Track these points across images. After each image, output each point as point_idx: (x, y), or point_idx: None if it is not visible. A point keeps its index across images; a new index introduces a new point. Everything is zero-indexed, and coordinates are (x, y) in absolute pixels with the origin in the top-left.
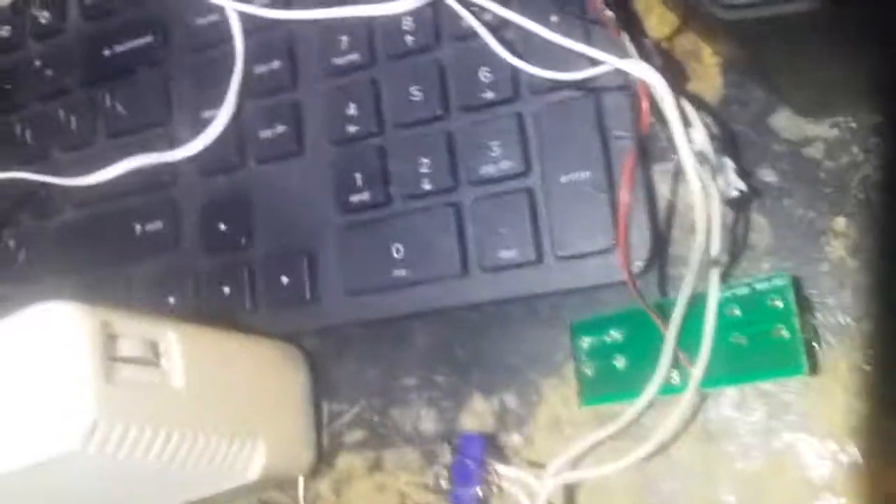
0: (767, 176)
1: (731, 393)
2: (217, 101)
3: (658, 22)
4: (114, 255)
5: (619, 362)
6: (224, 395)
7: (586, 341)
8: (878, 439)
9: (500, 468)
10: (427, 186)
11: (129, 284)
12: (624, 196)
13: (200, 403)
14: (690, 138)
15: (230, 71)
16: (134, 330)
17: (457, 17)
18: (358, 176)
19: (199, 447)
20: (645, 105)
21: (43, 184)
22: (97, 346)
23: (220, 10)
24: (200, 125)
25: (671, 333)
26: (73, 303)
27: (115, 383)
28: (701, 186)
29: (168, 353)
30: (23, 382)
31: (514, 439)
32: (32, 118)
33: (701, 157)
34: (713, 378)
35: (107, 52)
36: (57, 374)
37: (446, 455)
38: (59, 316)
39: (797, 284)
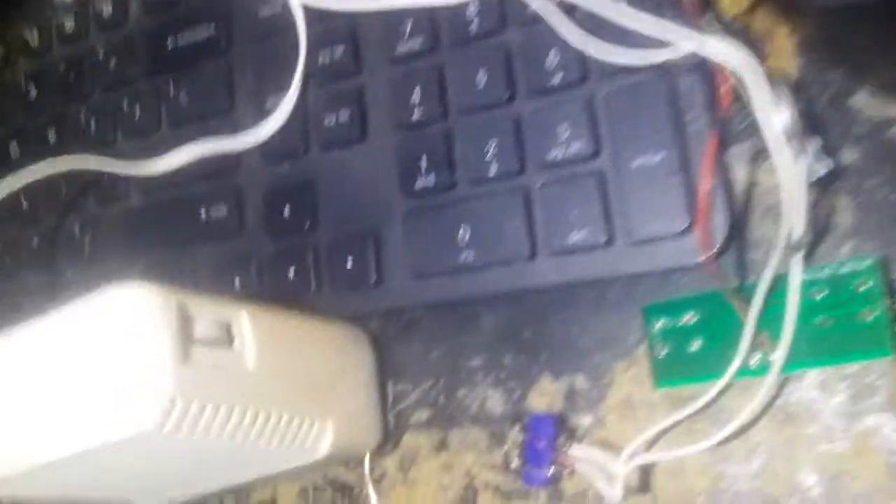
0: (849, 156)
1: (812, 375)
2: (281, 89)
3: (731, 1)
4: (178, 240)
5: (695, 345)
6: (294, 375)
7: (660, 324)
8: None
9: (575, 448)
10: (494, 171)
11: (194, 269)
12: (706, 182)
13: (272, 383)
14: (776, 118)
15: (293, 59)
16: (208, 312)
17: (522, 2)
18: (423, 161)
19: (270, 426)
20: (727, 86)
21: (107, 171)
22: (175, 327)
23: (284, 1)
24: (264, 113)
25: (752, 314)
26: (151, 284)
27: (192, 363)
28: (787, 166)
29: (241, 335)
30: (101, 362)
31: (584, 421)
32: (97, 107)
33: (787, 136)
34: (795, 361)
35: (170, 43)
36: (136, 354)
37: (517, 434)
38: (138, 297)
39: (883, 266)
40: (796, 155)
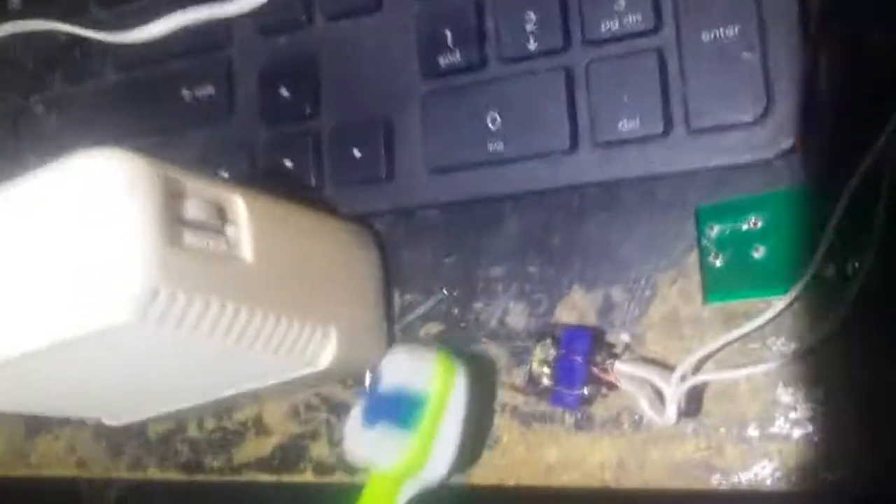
0: None
1: None
2: None
3: None
4: (157, 124)
5: (758, 253)
6: (294, 273)
7: (716, 228)
8: None
9: (621, 364)
10: (532, 46)
11: (174, 157)
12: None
13: (270, 280)
14: None
15: None
16: (199, 191)
17: None
18: (447, 34)
19: (268, 328)
20: None
21: (79, 40)
22: (161, 203)
23: None
24: None
25: (836, 216)
26: (132, 151)
27: (179, 248)
28: None
29: (236, 222)
30: (73, 242)
31: (622, 337)
32: None
33: None
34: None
35: None
36: (114, 232)
37: (547, 350)
38: (119, 166)
39: None
40: None
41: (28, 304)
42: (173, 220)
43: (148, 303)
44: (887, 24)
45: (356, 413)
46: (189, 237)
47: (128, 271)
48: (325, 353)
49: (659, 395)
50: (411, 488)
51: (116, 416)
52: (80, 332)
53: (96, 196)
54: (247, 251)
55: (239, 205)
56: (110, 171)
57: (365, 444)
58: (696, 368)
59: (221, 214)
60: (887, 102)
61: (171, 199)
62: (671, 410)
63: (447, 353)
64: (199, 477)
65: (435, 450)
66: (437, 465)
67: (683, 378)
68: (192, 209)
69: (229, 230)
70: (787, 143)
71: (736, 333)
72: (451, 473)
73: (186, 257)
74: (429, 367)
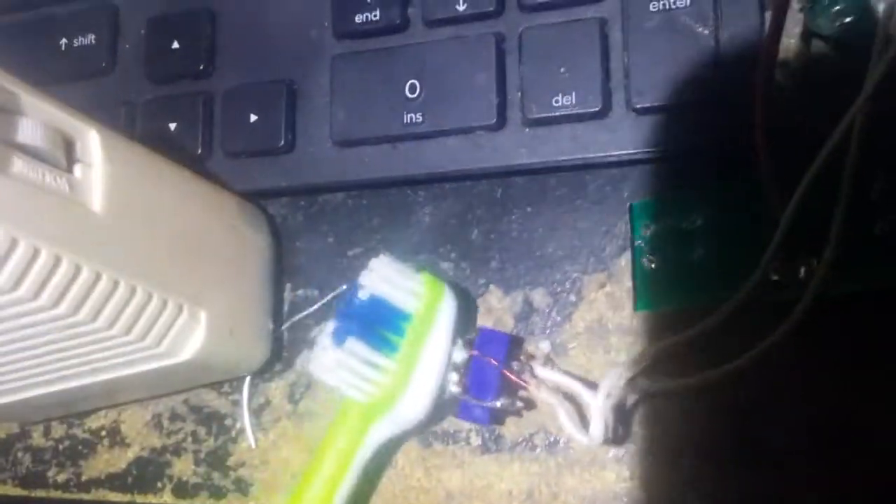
0: None
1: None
2: None
3: None
4: (31, 74)
5: (696, 254)
6: (157, 238)
7: (651, 227)
8: None
9: (542, 372)
10: (461, 8)
11: None
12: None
13: (124, 237)
14: None
15: None
16: (45, 114)
17: None
18: None
19: (117, 298)
20: None
21: None
22: None
23: None
24: None
25: (787, 215)
26: None
27: (6, 175)
28: None
29: (87, 160)
30: None
31: (542, 346)
32: None
33: None
34: (845, 279)
35: None
36: None
37: (460, 352)
38: None
39: None
40: None
41: None
42: (3, 140)
43: None
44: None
45: (329, 328)
46: (20, 165)
47: None
48: (190, 341)
49: (580, 412)
50: (383, 429)
51: None
52: None
53: None
54: (95, 197)
55: (92, 140)
56: None
57: (334, 364)
58: (625, 383)
59: (70, 148)
60: (846, 90)
61: (6, 115)
62: (597, 428)
63: (433, 275)
64: (40, 493)
65: (414, 381)
66: (414, 404)
67: (610, 393)
68: (31, 133)
69: (77, 170)
70: (738, 131)
71: (669, 344)
72: (428, 420)
73: (13, 188)
74: (413, 284)
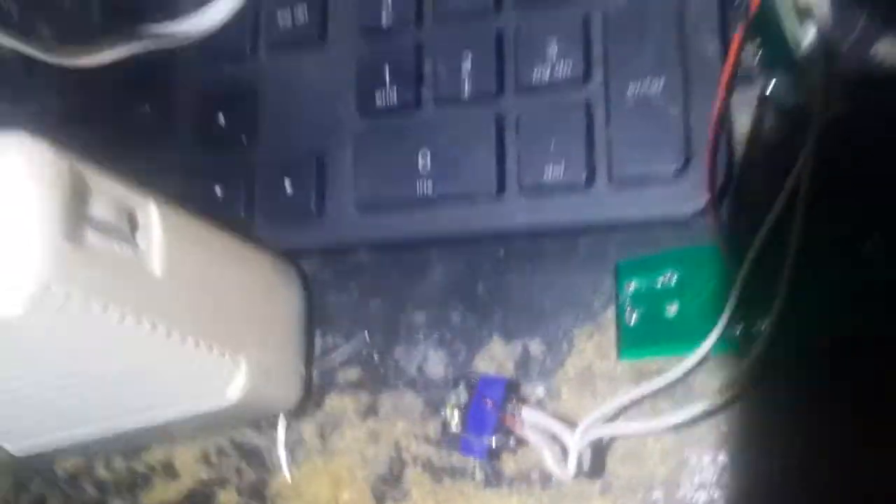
0: None
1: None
2: None
3: None
4: (99, 142)
5: (672, 310)
6: (206, 295)
7: (633, 285)
8: None
9: (527, 411)
10: (467, 90)
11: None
12: (718, 102)
13: (178, 295)
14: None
15: None
16: (111, 190)
17: None
18: (386, 73)
19: (171, 346)
20: None
21: (25, 62)
22: (65, 195)
23: None
24: (209, 3)
25: (741, 276)
26: (39, 138)
27: (79, 245)
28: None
29: (147, 230)
30: None
31: (537, 390)
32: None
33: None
34: (792, 337)
35: None
36: (11, 218)
37: (462, 394)
38: (23, 150)
39: None
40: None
41: None
42: (77, 216)
43: (38, 297)
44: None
45: None
46: (93, 236)
47: (20, 261)
48: (233, 384)
49: (564, 450)
50: None
51: (17, 441)
52: None
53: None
54: (155, 261)
55: (152, 212)
56: (15, 155)
57: None
58: (602, 424)
59: (132, 219)
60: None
61: (78, 193)
62: (571, 464)
63: None
64: None
65: None
66: None
67: (587, 431)
68: (101, 208)
69: (139, 237)
70: (703, 199)
71: (642, 391)
72: None
73: (86, 256)
74: None
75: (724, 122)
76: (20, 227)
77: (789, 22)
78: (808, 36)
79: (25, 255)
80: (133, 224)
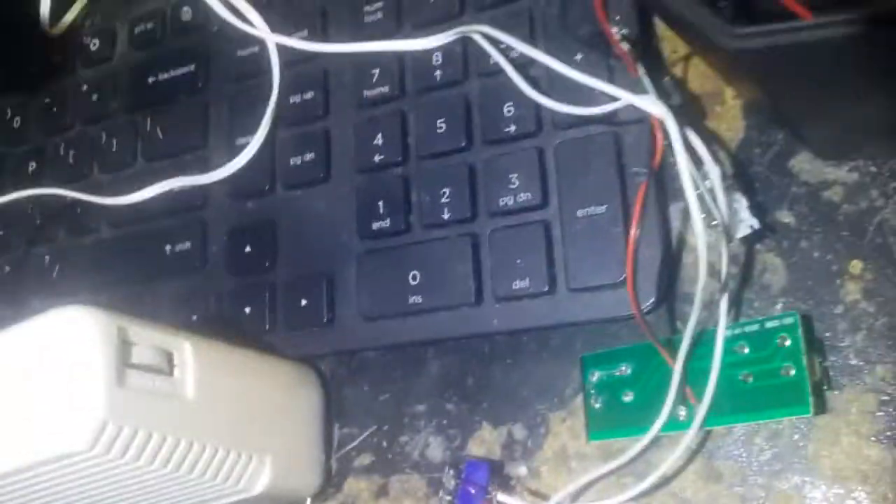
0: (785, 217)
1: (739, 431)
2: (251, 129)
3: (669, 51)
4: (144, 273)
5: (628, 397)
6: (235, 409)
7: (596, 375)
8: (887, 486)
9: (502, 496)
10: (447, 216)
11: (156, 301)
12: (633, 230)
13: (210, 414)
14: (703, 174)
15: (266, 100)
16: (149, 338)
17: (484, 55)
18: (380, 204)
19: (205, 457)
20: (659, 140)
21: (80, 202)
22: (111, 350)
23: (261, 42)
24: (234, 151)
25: (678, 368)
26: (91, 307)
27: (127, 387)
28: (706, 222)
29: (182, 364)
30: (38, 381)
31: (520, 470)
32: (76, 140)
33: (711, 194)
34: (719, 416)
35: (151, 80)
36: (70, 374)
37: (450, 480)
38: (77, 319)
39: (807, 324)
40: (720, 213)
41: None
42: (123, 364)
43: (96, 434)
44: None
45: None
46: (137, 378)
47: (80, 407)
48: (260, 479)
49: None
50: None
51: None
52: (39, 458)
53: (61, 346)
54: (189, 390)
55: (186, 350)
56: (72, 323)
57: None
58: (576, 500)
59: (170, 358)
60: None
61: (123, 345)
62: None
63: None
64: None
65: None
66: None
67: None
68: (142, 353)
69: (176, 371)
70: (646, 303)
71: (595, 472)
72: None
73: (133, 395)
74: None
75: (660, 234)
76: (81, 380)
77: None
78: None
79: (85, 401)
80: (170, 361)
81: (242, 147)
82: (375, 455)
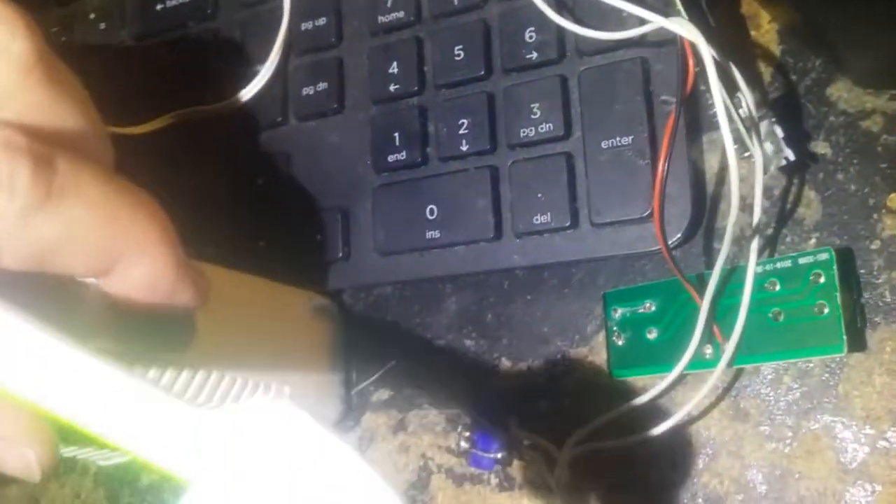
0: (821, 148)
1: (767, 370)
2: (262, 57)
3: None
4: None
5: (652, 334)
6: (248, 338)
7: (619, 311)
8: None
9: (522, 433)
10: (465, 148)
11: None
12: (661, 162)
13: (218, 342)
14: (736, 102)
15: (277, 27)
16: None
17: None
18: (396, 135)
19: (222, 387)
20: (691, 66)
21: None
22: None
23: None
24: (245, 80)
25: (705, 305)
26: None
27: None
28: (738, 153)
29: None
30: None
31: (540, 406)
32: (84, 69)
33: (747, 122)
34: (748, 354)
35: (159, 7)
36: None
37: (469, 417)
38: None
39: (843, 260)
40: (755, 142)
41: None
42: None
43: None
44: None
45: None
46: None
47: None
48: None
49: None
50: None
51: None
52: None
53: None
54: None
55: None
56: None
57: None
58: (590, 437)
59: None
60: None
61: None
62: (559, 476)
63: None
64: None
65: None
66: None
67: (575, 446)
68: None
69: None
70: (672, 238)
71: (617, 410)
72: None
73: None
74: None
75: (689, 166)
76: None
77: None
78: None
79: None
80: None
81: (253, 75)
82: (394, 390)
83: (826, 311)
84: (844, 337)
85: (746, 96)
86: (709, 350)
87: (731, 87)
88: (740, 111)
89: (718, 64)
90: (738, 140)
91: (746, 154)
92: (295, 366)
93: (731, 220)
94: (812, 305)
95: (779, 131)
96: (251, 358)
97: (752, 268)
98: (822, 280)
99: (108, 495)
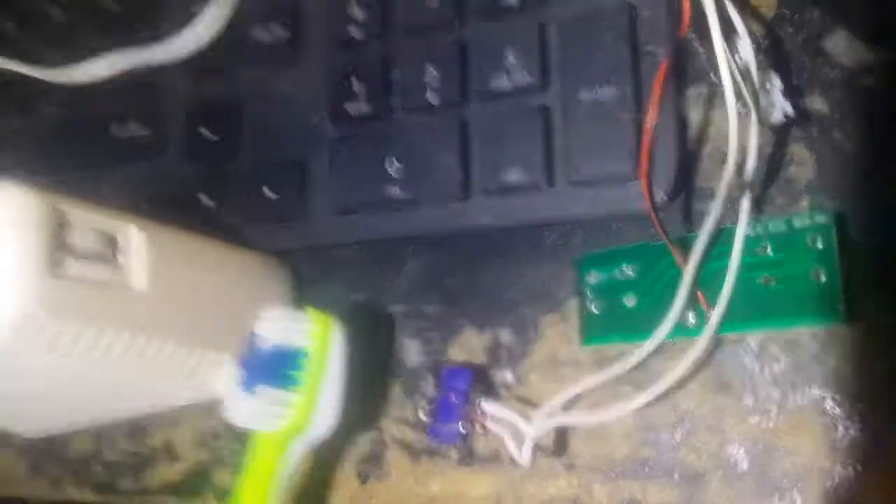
0: (816, 104)
1: (752, 340)
2: None
3: None
4: (89, 157)
5: (630, 301)
6: (192, 302)
7: (594, 276)
8: None
9: (486, 405)
10: (431, 99)
11: (101, 188)
12: (652, 113)
13: (164, 306)
14: (734, 49)
15: None
16: (90, 222)
17: None
18: (356, 84)
19: (161, 354)
20: (686, 6)
21: (20, 76)
22: (44, 234)
23: None
24: (193, 24)
25: (689, 269)
26: (18, 185)
27: (61, 276)
28: (738, 104)
29: (128, 251)
30: None
31: (506, 376)
32: (19, 11)
33: (744, 72)
34: (735, 322)
35: None
36: None
37: (429, 387)
38: (4, 198)
39: (841, 223)
40: (752, 93)
41: None
42: (57, 250)
43: (23, 327)
44: None
45: (231, 381)
46: (74, 266)
47: (4, 296)
48: (220, 378)
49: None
50: (298, 447)
51: (27, 427)
52: None
53: None
54: (138, 279)
55: (133, 234)
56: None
57: (248, 410)
58: (567, 409)
59: (113, 244)
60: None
61: (58, 228)
62: (526, 451)
63: (320, 310)
64: (112, 498)
65: (319, 406)
66: (323, 422)
67: (545, 418)
68: (80, 238)
69: (121, 259)
70: (657, 198)
71: (591, 380)
72: (335, 429)
73: (69, 285)
74: (304, 324)
75: (676, 121)
76: (6, 266)
77: None
78: None
79: (7, 291)
80: (114, 248)
81: (202, 19)
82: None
83: (823, 278)
84: (843, 306)
85: (745, 43)
86: (692, 318)
87: (726, 34)
88: (736, 56)
89: (718, 3)
90: (735, 92)
91: (742, 107)
92: (247, 330)
93: (724, 178)
94: (808, 271)
95: (777, 83)
96: (196, 325)
97: (741, 230)
98: (821, 245)
99: (30, 466)
